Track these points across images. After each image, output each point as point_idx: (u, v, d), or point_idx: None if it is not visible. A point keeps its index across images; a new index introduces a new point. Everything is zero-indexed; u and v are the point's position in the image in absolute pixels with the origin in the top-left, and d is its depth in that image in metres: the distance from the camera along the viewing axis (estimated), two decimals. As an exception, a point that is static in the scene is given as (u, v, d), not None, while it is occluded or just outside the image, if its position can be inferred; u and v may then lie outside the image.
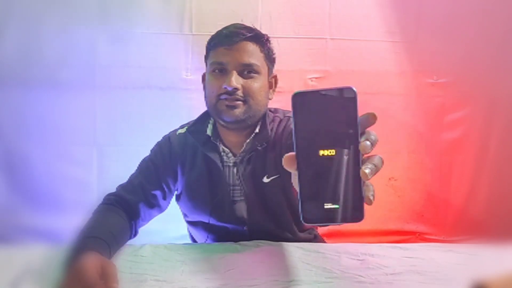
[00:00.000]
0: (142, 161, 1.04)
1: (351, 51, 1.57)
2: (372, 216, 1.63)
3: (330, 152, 0.41)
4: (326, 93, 0.42)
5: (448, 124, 1.61)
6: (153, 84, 1.54)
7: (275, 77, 1.02)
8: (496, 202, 1.58)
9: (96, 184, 1.53)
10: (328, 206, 0.42)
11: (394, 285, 0.73)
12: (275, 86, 1.02)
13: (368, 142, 0.41)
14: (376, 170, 0.42)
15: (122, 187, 0.99)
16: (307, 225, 1.05)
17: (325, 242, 1.10)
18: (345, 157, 0.41)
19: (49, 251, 0.81)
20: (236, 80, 0.89)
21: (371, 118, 0.42)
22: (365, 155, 0.42)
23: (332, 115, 0.41)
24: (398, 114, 1.61)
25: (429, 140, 1.63)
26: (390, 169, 1.63)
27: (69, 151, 1.53)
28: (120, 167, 1.53)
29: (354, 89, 0.41)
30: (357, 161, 0.41)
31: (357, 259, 0.83)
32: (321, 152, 0.41)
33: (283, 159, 0.43)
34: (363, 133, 0.42)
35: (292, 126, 0.42)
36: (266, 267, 0.79)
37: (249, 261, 0.82)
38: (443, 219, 1.64)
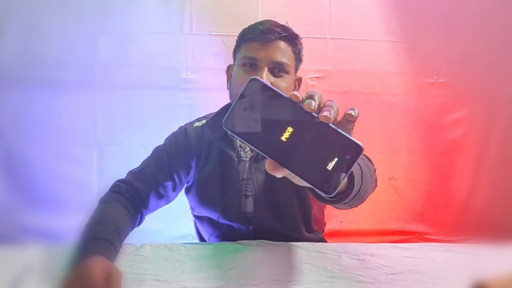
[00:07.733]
0: (156, 149, 1.02)
1: (351, 51, 1.57)
2: (372, 216, 1.63)
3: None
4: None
5: (448, 124, 1.61)
6: (153, 84, 1.53)
7: (300, 79, 1.01)
8: (496, 202, 1.58)
9: (96, 184, 1.53)
10: None
11: (394, 285, 0.74)
12: (299, 88, 1.02)
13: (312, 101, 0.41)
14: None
15: (133, 174, 0.98)
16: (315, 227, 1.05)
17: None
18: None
19: (49, 251, 0.81)
20: (267, 77, 0.89)
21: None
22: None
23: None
24: (398, 114, 1.61)
25: (429, 140, 1.63)
26: (390, 169, 1.62)
27: (69, 151, 1.52)
28: (120, 167, 1.52)
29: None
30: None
31: (357, 259, 0.83)
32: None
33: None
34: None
35: None
36: (266, 267, 0.79)
37: (249, 261, 0.82)
38: (443, 219, 1.64)
